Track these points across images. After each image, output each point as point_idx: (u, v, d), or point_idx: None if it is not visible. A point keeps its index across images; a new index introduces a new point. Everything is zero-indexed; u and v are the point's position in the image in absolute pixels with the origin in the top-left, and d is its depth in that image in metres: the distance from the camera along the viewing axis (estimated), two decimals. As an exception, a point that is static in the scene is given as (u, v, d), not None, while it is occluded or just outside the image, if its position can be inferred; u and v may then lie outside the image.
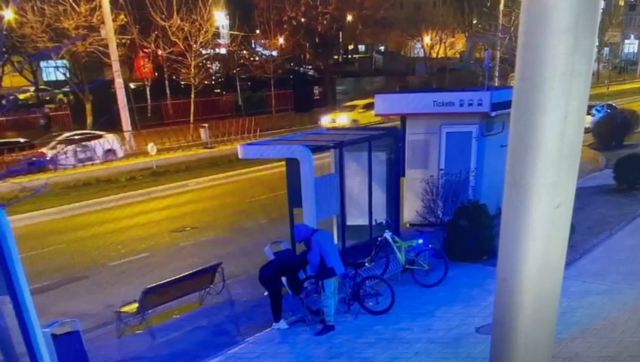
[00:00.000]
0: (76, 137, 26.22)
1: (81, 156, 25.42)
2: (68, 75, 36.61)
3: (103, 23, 28.86)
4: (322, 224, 10.46)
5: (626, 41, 78.03)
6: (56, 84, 40.86)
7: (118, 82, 29.82)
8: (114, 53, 29.13)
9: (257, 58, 46.56)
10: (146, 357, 8.79)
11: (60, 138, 25.62)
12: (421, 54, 60.23)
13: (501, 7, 42.34)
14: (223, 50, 48.18)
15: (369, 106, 34.85)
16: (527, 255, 5.30)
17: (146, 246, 14.25)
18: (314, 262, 8.48)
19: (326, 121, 35.49)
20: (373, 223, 11.35)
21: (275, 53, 45.27)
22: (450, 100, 12.99)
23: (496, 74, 39.87)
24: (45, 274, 12.08)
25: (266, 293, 9.16)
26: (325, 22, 44.53)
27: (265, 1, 43.99)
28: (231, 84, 44.66)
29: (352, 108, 36.50)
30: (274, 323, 8.98)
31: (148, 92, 38.51)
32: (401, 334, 8.31)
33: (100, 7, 28.70)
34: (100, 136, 26.55)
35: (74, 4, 28.70)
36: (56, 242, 15.04)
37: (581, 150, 5.25)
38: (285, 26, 44.36)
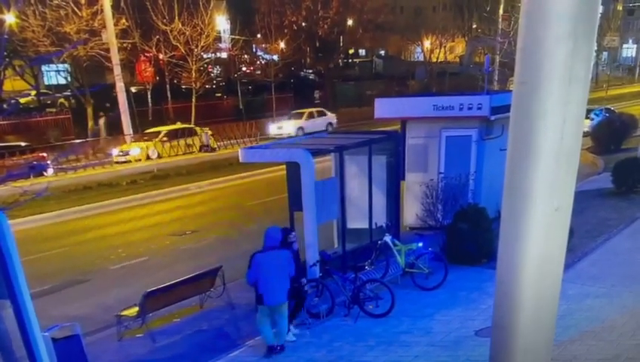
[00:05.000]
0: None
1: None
2: (69, 78, 36.69)
3: (104, 27, 28.97)
4: (323, 227, 10.52)
5: (625, 46, 78.19)
6: (58, 88, 40.89)
7: (120, 86, 29.91)
8: (115, 57, 29.23)
9: (258, 62, 46.65)
10: (146, 361, 8.78)
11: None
12: (421, 58, 60.31)
13: (500, 11, 42.49)
14: (224, 55, 48.29)
15: (175, 134, 28.90)
16: (527, 258, 5.32)
17: (146, 250, 14.27)
18: (249, 280, 7.99)
19: (115, 154, 27.24)
20: (374, 226, 11.36)
21: (275, 57, 45.35)
22: (450, 104, 13.03)
23: (496, 78, 40.00)
24: (46, 278, 12.08)
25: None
26: (326, 26, 44.61)
27: (266, 6, 44.10)
28: (232, 88, 44.72)
29: (153, 136, 28.55)
30: None
31: (149, 96, 38.57)
32: (400, 337, 8.32)
33: (102, 11, 28.83)
34: None
35: (75, 9, 28.81)
36: (57, 246, 15.06)
37: (580, 154, 5.28)
38: (286, 30, 44.44)
